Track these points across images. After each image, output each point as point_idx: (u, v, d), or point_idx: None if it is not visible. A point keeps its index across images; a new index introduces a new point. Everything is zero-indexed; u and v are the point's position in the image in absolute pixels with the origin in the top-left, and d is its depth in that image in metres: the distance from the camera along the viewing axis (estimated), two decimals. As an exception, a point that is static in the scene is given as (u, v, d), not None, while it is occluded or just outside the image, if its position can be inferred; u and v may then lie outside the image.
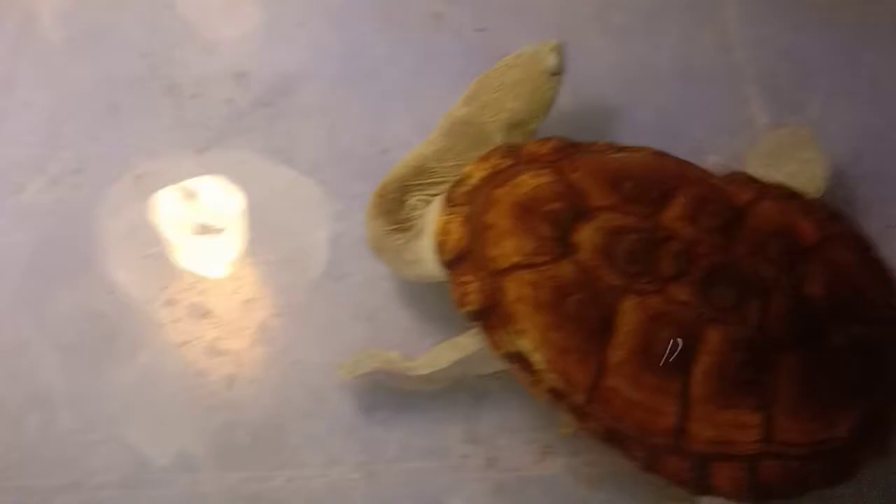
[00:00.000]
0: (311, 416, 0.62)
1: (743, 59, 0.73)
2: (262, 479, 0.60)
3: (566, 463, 0.60)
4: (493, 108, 0.63)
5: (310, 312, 0.65)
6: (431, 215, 0.60)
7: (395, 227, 0.61)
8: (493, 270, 0.55)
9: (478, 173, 0.59)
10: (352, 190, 0.68)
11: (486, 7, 0.75)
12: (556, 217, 0.55)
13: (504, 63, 0.64)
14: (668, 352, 0.52)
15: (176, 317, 0.65)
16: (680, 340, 0.52)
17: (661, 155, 0.59)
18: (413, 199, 0.62)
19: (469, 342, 0.58)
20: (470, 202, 0.58)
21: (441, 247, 0.58)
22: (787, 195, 0.58)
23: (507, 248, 0.55)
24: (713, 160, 0.64)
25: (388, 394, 0.62)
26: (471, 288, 0.56)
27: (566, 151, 0.59)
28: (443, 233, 0.58)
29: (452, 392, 0.61)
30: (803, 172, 0.62)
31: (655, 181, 0.56)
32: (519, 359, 0.54)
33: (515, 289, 0.54)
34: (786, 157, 0.64)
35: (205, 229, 0.68)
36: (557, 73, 0.63)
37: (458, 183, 0.60)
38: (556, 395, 0.54)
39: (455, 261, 0.57)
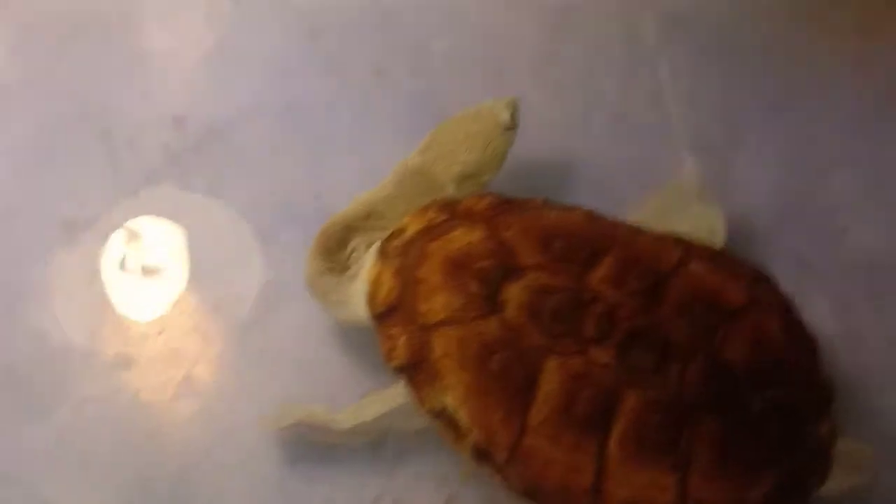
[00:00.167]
0: (234, 469, 0.61)
1: (675, 116, 0.74)
2: (182, 534, 0.59)
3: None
4: (446, 159, 0.63)
5: (237, 362, 0.64)
6: (368, 262, 0.60)
7: (333, 265, 0.61)
8: (422, 325, 0.55)
9: (413, 226, 0.59)
10: (285, 236, 0.68)
11: (426, 63, 0.75)
12: (486, 274, 0.55)
13: (461, 115, 0.65)
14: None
15: (98, 369, 0.64)
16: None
17: (593, 215, 0.59)
18: (356, 241, 0.62)
19: (395, 395, 0.57)
20: (403, 255, 0.58)
21: (371, 298, 0.58)
22: (713, 255, 0.59)
23: (437, 303, 0.55)
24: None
25: (312, 447, 0.61)
26: (399, 342, 0.56)
27: (501, 208, 0.59)
28: (374, 284, 0.58)
29: (377, 446, 0.61)
30: (701, 228, 0.63)
31: (586, 241, 0.57)
32: (444, 415, 0.54)
33: (443, 344, 0.54)
34: (677, 214, 0.65)
35: (133, 276, 0.67)
36: (511, 127, 0.64)
37: (394, 235, 0.60)
38: (480, 452, 0.54)
39: (385, 314, 0.57)
